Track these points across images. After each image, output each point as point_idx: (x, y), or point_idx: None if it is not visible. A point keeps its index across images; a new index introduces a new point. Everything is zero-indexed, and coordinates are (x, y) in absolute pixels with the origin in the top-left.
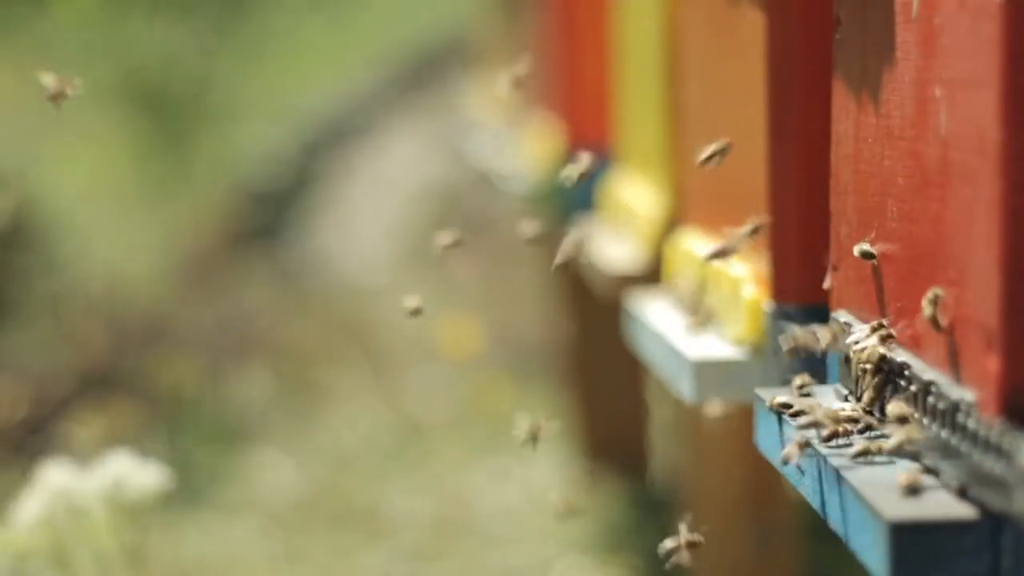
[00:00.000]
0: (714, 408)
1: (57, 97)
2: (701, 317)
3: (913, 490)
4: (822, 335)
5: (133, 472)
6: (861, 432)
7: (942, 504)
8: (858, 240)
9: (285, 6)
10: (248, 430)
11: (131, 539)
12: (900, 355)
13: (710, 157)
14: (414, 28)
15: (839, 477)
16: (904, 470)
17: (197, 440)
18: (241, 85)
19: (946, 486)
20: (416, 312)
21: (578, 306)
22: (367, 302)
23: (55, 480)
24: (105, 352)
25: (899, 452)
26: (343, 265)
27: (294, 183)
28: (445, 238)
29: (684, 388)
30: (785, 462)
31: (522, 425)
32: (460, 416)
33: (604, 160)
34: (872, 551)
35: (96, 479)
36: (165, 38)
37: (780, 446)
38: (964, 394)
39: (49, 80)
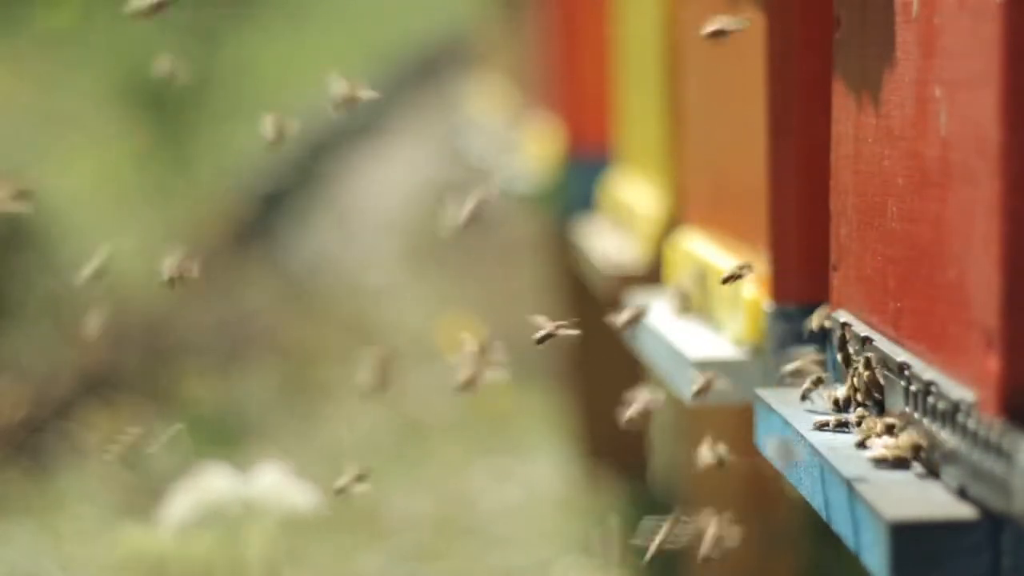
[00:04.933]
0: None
1: None
2: (683, 303)
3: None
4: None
5: (284, 488)
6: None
7: (942, 504)
8: (858, 240)
9: (286, 6)
10: (249, 430)
11: (272, 553)
12: (900, 355)
13: (733, 277)
14: (414, 28)
15: (839, 477)
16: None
17: (198, 440)
18: (241, 85)
19: (946, 486)
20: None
21: (578, 306)
22: (367, 302)
23: (207, 485)
24: (106, 352)
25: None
26: (343, 265)
27: (294, 183)
28: (623, 316)
29: (684, 388)
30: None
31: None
32: (460, 416)
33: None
34: (872, 551)
35: (247, 489)
36: (165, 38)
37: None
38: (964, 394)
39: None
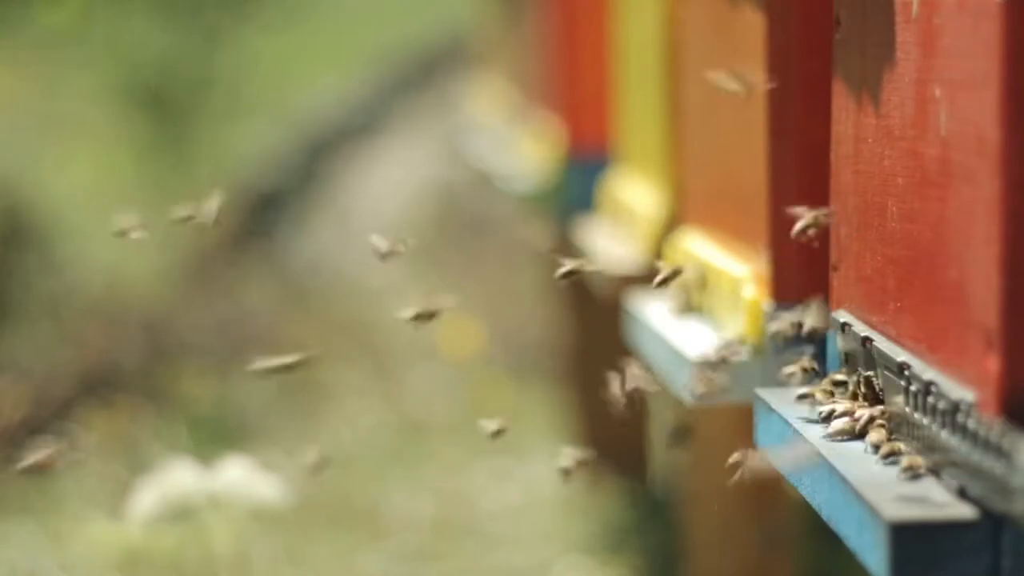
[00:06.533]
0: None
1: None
2: (681, 301)
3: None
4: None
5: (250, 480)
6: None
7: (942, 504)
8: (858, 240)
9: (286, 6)
10: (248, 430)
11: (240, 546)
12: (900, 355)
13: (804, 229)
14: (414, 28)
15: (839, 477)
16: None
17: (197, 440)
18: (241, 85)
19: (946, 486)
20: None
21: (578, 306)
22: (367, 302)
23: (172, 480)
24: (105, 352)
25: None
26: (343, 265)
27: (294, 183)
28: (382, 245)
29: (684, 388)
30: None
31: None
32: (460, 416)
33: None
34: (872, 551)
35: (213, 483)
36: (165, 38)
37: (780, 445)
38: (964, 394)
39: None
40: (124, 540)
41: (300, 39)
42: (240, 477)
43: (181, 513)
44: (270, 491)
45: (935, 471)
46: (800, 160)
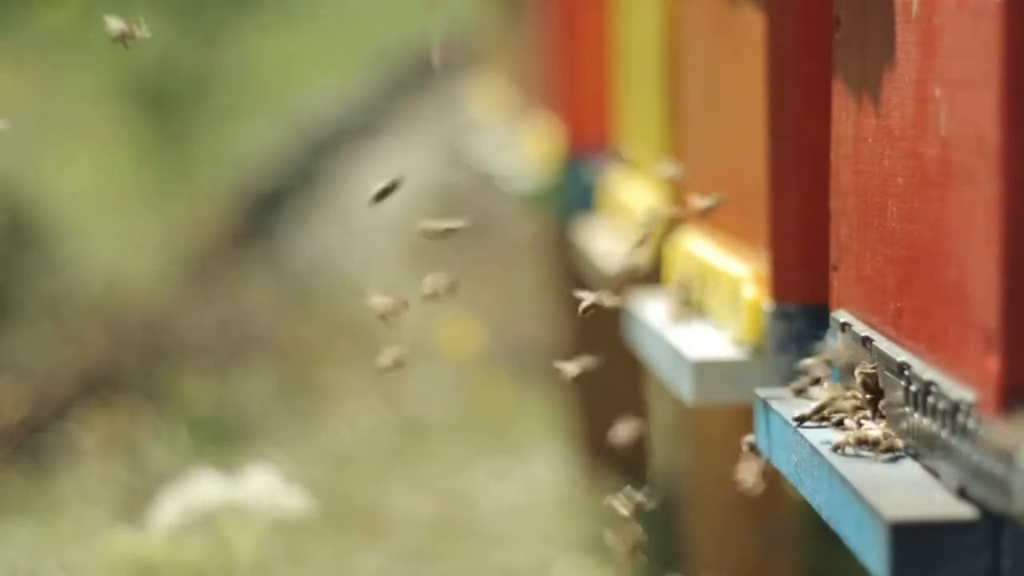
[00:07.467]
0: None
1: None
2: (685, 310)
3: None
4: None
5: (274, 492)
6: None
7: (942, 504)
8: (858, 240)
9: (286, 6)
10: (248, 430)
11: (261, 555)
12: (900, 355)
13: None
14: (414, 28)
15: (839, 477)
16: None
17: (198, 440)
18: (241, 85)
19: (946, 486)
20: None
21: (578, 306)
22: (367, 302)
23: (195, 490)
24: (105, 352)
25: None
26: (343, 265)
27: (294, 183)
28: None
29: (684, 388)
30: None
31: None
32: (460, 416)
33: None
34: (872, 551)
35: (236, 494)
36: (165, 38)
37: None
38: (964, 394)
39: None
40: (145, 550)
41: (300, 39)
42: (263, 487)
43: (204, 523)
44: (293, 501)
45: (932, 469)
46: (800, 160)
